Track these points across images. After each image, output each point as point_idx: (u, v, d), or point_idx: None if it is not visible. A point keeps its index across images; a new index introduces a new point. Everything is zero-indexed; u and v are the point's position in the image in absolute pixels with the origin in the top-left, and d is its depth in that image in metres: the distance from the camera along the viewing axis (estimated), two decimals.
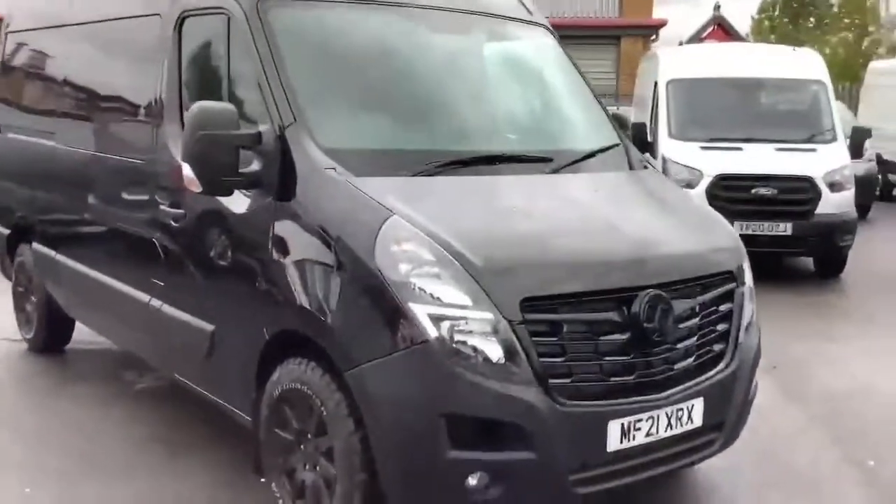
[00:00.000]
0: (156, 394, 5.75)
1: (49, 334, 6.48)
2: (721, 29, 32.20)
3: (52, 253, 5.97)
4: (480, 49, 4.88)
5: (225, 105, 3.80)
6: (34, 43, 6.43)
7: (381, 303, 3.35)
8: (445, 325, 3.26)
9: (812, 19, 40.64)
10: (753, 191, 9.35)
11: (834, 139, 10.17)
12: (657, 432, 3.59)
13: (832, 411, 5.59)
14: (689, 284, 3.77)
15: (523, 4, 5.07)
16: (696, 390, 3.70)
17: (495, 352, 3.27)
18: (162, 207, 4.53)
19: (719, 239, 4.14)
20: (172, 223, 4.46)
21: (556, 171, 4.18)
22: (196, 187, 3.82)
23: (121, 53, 5.16)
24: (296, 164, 3.73)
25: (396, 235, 3.40)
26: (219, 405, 4.38)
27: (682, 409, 3.65)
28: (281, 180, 3.76)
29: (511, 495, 3.34)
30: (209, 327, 4.23)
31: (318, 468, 3.68)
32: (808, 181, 9.43)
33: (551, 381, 3.33)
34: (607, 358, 3.47)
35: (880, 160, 16.16)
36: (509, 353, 3.27)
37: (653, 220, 4.08)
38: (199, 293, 4.36)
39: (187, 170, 3.81)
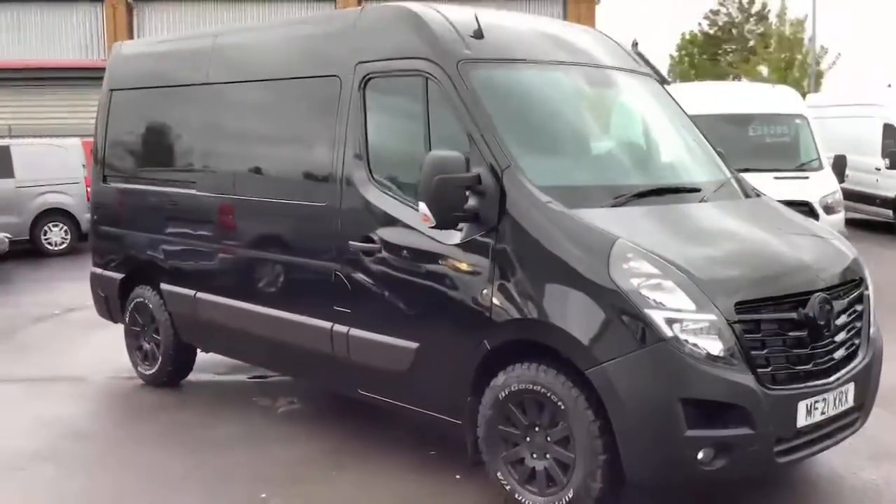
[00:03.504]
0: (299, 414, 6.34)
1: (175, 369, 6.97)
2: None
3: (191, 292, 6.47)
4: (627, 98, 5.70)
5: (456, 153, 4.48)
6: (153, 101, 6.95)
7: (619, 311, 4.07)
8: (677, 326, 4.01)
9: (729, 56, 42.84)
10: None
11: (821, 167, 11.31)
12: (828, 411, 4.38)
13: None
14: (839, 288, 4.59)
15: (635, 59, 5.91)
16: (850, 376, 4.51)
17: (717, 347, 4.03)
18: (351, 243, 5.15)
19: (848, 251, 4.98)
20: (364, 256, 5.09)
21: (704, 200, 4.98)
22: (430, 222, 4.48)
23: (286, 110, 5.76)
24: (515, 200, 4.44)
25: (625, 255, 4.14)
26: (419, 413, 5.01)
27: (842, 392, 4.45)
28: (501, 213, 4.46)
29: (731, 466, 4.08)
30: (413, 345, 4.86)
31: (547, 455, 4.36)
32: (806, 205, 10.44)
33: (758, 370, 4.10)
34: (793, 350, 4.26)
35: None
36: (729, 347, 4.04)
37: (799, 237, 4.90)
38: (398, 317, 4.98)
39: (423, 207, 4.47)
